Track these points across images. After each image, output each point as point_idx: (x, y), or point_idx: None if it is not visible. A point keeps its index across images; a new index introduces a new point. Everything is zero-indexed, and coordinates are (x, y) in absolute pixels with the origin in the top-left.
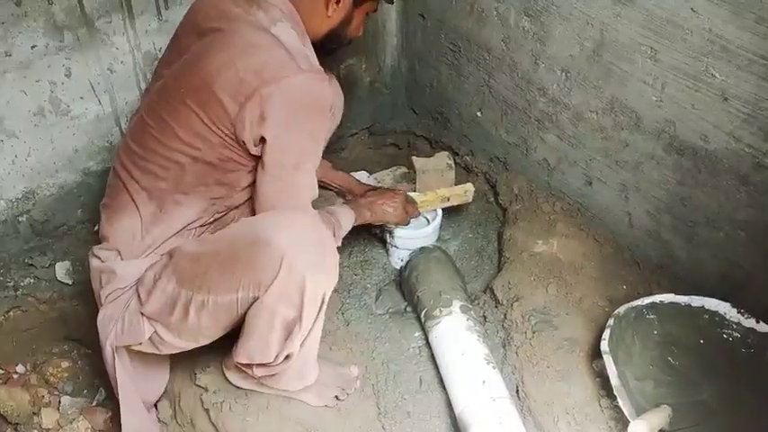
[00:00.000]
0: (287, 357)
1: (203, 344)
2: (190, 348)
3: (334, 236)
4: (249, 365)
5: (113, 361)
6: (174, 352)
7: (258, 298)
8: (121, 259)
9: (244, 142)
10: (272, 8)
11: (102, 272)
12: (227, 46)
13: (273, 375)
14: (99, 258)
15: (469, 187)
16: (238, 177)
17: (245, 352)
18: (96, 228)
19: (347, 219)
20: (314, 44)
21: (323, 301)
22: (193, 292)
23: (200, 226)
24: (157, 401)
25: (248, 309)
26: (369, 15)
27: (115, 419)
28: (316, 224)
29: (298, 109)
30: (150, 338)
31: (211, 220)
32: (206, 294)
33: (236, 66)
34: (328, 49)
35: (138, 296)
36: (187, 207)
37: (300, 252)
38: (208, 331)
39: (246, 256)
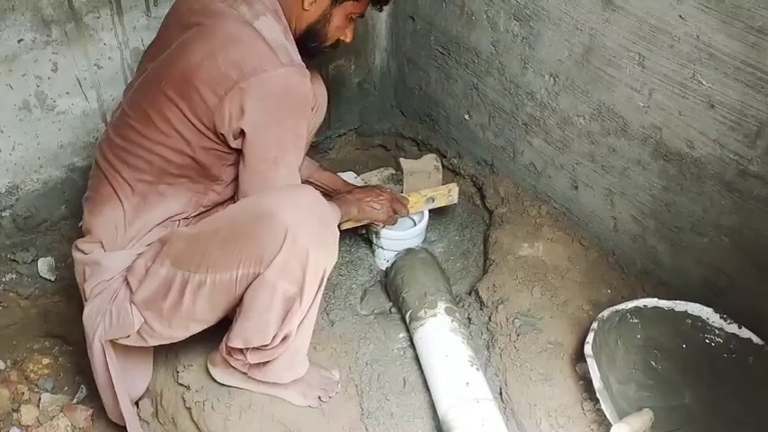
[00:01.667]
0: (284, 339)
1: (193, 332)
2: (178, 339)
3: None
4: (243, 351)
5: (103, 357)
6: (161, 343)
7: (259, 275)
8: (105, 251)
9: (224, 135)
10: (256, 2)
11: (86, 264)
12: (209, 39)
13: (265, 364)
14: (82, 251)
15: (453, 187)
16: (220, 171)
17: (241, 335)
18: (81, 224)
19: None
20: (298, 43)
21: (322, 279)
22: (191, 272)
23: (185, 219)
24: (138, 399)
25: (246, 289)
26: (354, 19)
27: (96, 417)
28: (319, 200)
29: (277, 103)
30: (138, 330)
31: (195, 213)
32: (204, 273)
33: (217, 59)
34: (311, 48)
35: (128, 285)
36: (172, 199)
37: (304, 226)
38: (202, 315)
39: (249, 231)
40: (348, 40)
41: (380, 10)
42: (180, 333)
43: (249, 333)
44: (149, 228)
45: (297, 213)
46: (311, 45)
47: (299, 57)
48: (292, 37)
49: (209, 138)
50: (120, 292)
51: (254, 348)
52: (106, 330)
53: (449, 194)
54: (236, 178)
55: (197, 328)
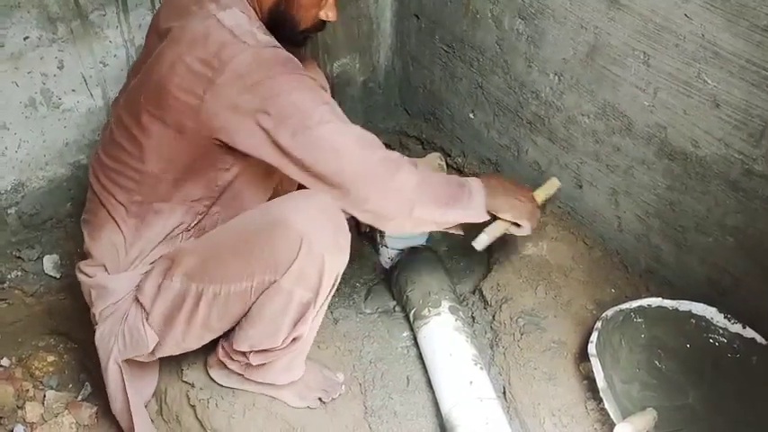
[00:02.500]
0: (293, 341)
1: (205, 342)
2: (191, 350)
3: (458, 206)
4: (246, 354)
5: (120, 378)
6: (173, 354)
7: (274, 282)
8: (109, 274)
9: (219, 139)
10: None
11: (91, 287)
12: (176, 43)
13: (263, 366)
14: (86, 274)
15: (555, 180)
16: (216, 176)
17: (247, 339)
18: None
19: (478, 195)
20: (273, 32)
21: (335, 281)
22: (205, 284)
23: (186, 230)
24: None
25: (259, 296)
26: None
27: (100, 414)
28: (329, 204)
29: (260, 80)
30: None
31: (195, 222)
32: (219, 284)
33: (185, 60)
34: (288, 35)
35: (140, 305)
36: (168, 214)
37: (318, 232)
38: (217, 325)
39: (264, 240)
40: (331, 18)
41: None
42: (193, 344)
43: (257, 338)
44: (151, 248)
45: (310, 219)
46: (285, 32)
47: (274, 41)
48: (263, 25)
49: (198, 144)
50: (130, 312)
51: (257, 351)
52: (121, 351)
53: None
54: (229, 182)
55: (210, 338)
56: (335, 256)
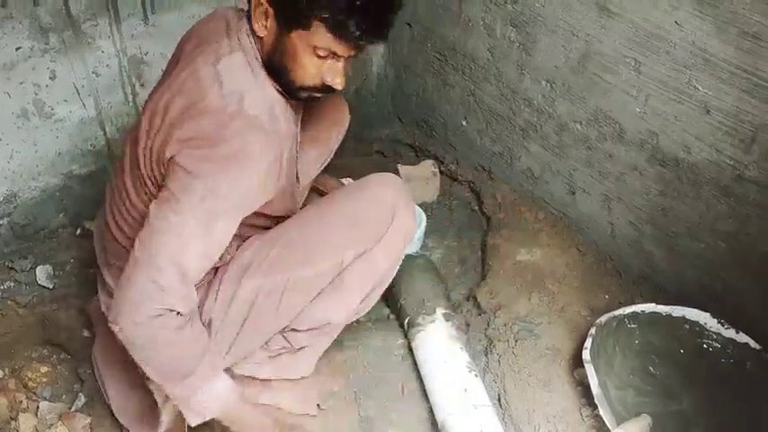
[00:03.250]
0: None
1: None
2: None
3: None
4: (296, 333)
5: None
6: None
7: (364, 253)
8: None
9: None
10: (234, 37)
11: None
12: (175, 80)
13: (284, 357)
14: None
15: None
16: None
17: (311, 317)
18: (78, 232)
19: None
20: (275, 79)
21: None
22: (290, 272)
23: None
24: None
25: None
26: (331, 58)
27: (94, 425)
28: (402, 184)
29: (205, 152)
30: None
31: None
32: (305, 267)
33: (175, 102)
34: (288, 88)
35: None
36: None
37: (403, 206)
38: (295, 310)
39: (357, 214)
40: (337, 85)
41: (357, 46)
42: (259, 343)
43: (327, 310)
44: None
45: (396, 194)
46: (283, 85)
47: (267, 103)
48: (264, 78)
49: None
50: None
51: (311, 328)
52: None
53: None
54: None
55: (274, 332)
56: (412, 231)
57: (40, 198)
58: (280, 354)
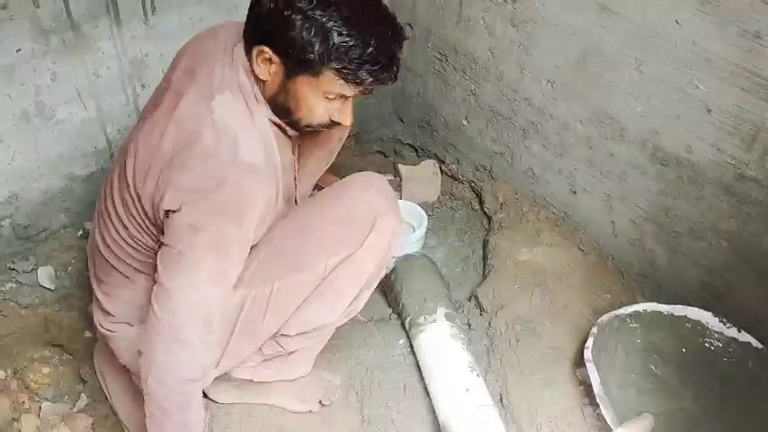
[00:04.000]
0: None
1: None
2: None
3: None
4: (287, 338)
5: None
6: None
7: (347, 257)
8: (133, 326)
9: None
10: (232, 71)
11: (119, 339)
12: (169, 113)
13: (279, 359)
14: (110, 330)
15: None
16: None
17: (301, 321)
18: (80, 233)
19: None
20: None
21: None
22: (276, 281)
23: None
24: None
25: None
26: (341, 99)
27: (96, 426)
28: (386, 183)
29: (198, 200)
30: None
31: None
32: (290, 276)
33: (165, 137)
34: (291, 124)
35: None
36: None
37: (386, 207)
38: (282, 318)
39: (338, 220)
40: (345, 123)
41: (368, 91)
42: (249, 351)
43: (315, 316)
44: None
45: (378, 195)
46: (289, 121)
47: (262, 145)
48: (260, 115)
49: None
50: None
51: (302, 333)
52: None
53: None
54: None
55: (263, 341)
56: (398, 230)
57: (42, 199)
58: (274, 357)
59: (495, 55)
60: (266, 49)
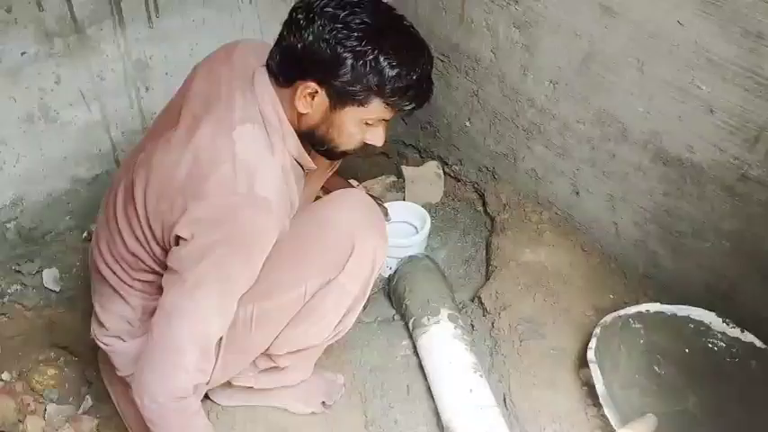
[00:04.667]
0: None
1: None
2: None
3: None
4: (279, 356)
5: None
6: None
7: (329, 281)
8: (126, 341)
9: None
10: (253, 101)
11: (113, 353)
12: (186, 143)
13: (276, 369)
14: (104, 343)
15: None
16: None
17: (289, 341)
18: (84, 235)
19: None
20: (306, 142)
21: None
22: (255, 303)
23: None
24: None
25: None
26: (376, 124)
27: (101, 427)
28: (368, 200)
29: (211, 231)
30: None
31: None
32: (270, 298)
33: (180, 168)
34: (322, 151)
35: None
36: None
37: (367, 228)
38: (269, 338)
39: (318, 243)
40: (378, 144)
41: (407, 113)
42: (236, 370)
43: (304, 337)
44: None
45: (358, 216)
46: (320, 149)
47: (279, 179)
48: (282, 148)
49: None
50: None
51: (292, 352)
52: None
53: None
54: None
55: (250, 359)
56: (382, 247)
57: (47, 202)
58: (268, 369)
59: (497, 56)
60: (312, 84)
